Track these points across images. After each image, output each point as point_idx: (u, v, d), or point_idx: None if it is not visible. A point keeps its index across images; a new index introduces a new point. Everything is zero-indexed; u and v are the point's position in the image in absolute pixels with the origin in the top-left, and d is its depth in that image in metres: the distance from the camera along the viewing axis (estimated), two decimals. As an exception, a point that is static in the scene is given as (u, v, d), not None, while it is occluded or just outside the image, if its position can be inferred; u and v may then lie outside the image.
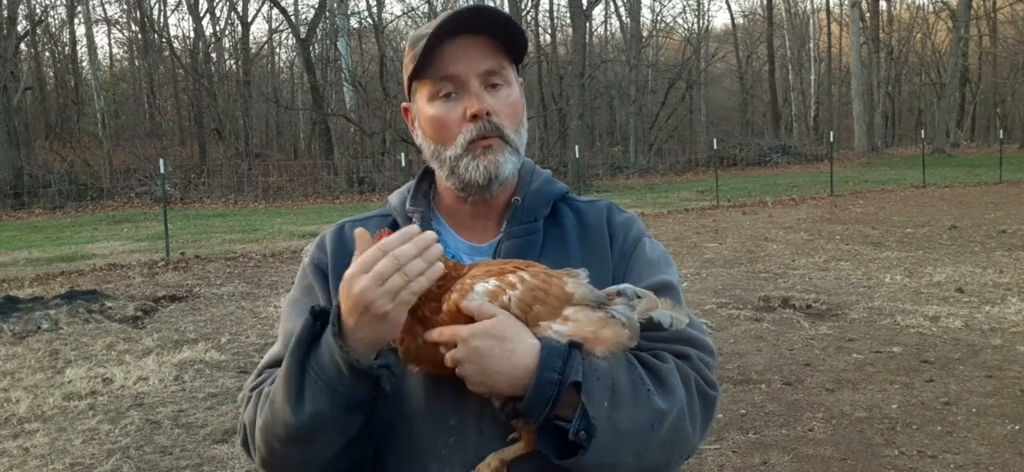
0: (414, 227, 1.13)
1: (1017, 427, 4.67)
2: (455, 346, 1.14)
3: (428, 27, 1.32)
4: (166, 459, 4.66)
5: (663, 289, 1.29)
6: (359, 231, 1.16)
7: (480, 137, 1.30)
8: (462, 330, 1.14)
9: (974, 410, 4.96)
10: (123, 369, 6.36)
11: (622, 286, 1.23)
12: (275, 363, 1.31)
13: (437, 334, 1.16)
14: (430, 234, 1.12)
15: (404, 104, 1.43)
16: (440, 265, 1.12)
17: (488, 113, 1.30)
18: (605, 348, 1.17)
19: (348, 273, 1.12)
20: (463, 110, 1.30)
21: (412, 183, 1.45)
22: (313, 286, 1.37)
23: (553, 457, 1.16)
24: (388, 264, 1.08)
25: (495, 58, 1.32)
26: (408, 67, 1.34)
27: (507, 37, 1.32)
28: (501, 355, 1.13)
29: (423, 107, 1.35)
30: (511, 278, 1.18)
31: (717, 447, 4.56)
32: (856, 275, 9.44)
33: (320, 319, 1.17)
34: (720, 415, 4.98)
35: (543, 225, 1.38)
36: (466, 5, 1.28)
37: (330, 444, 1.19)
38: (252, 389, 1.30)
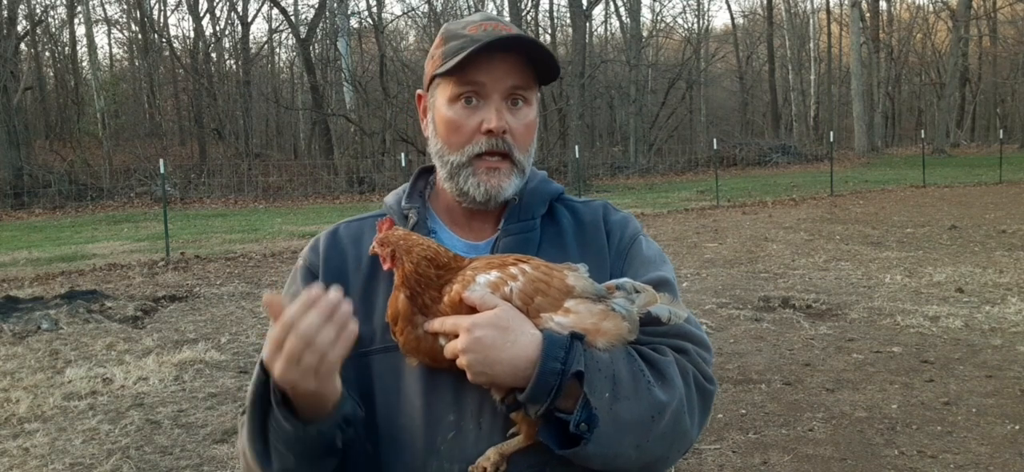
0: (315, 290, 1.09)
1: (1017, 427, 4.67)
2: (456, 337, 1.15)
3: (462, 25, 1.31)
4: (166, 459, 4.66)
5: (660, 285, 1.29)
6: (267, 298, 1.11)
7: (488, 153, 1.30)
8: (464, 320, 1.14)
9: (974, 410, 4.96)
10: (123, 369, 6.35)
11: (621, 280, 1.23)
12: None
13: (438, 324, 1.17)
14: (334, 294, 1.09)
15: (419, 91, 1.42)
16: (355, 326, 1.10)
17: (504, 131, 1.30)
18: (606, 340, 1.18)
19: (265, 352, 1.11)
20: (480, 121, 1.30)
21: (408, 183, 1.45)
22: (300, 291, 1.37)
23: (554, 448, 1.16)
24: (296, 344, 1.07)
25: (523, 77, 1.31)
26: (436, 61, 1.33)
27: (540, 61, 1.32)
28: (503, 345, 1.13)
29: (441, 105, 1.34)
30: (512, 270, 1.18)
31: (717, 447, 4.56)
32: (856, 275, 9.44)
33: (270, 373, 1.16)
34: (720, 415, 4.98)
35: (540, 224, 1.38)
36: (506, 29, 1.27)
37: None
38: (243, 412, 1.30)
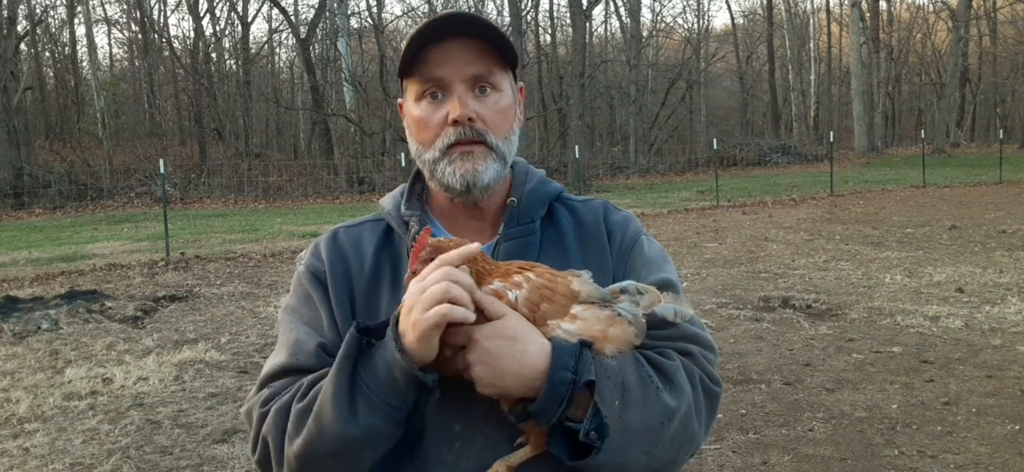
0: (475, 246, 1.15)
1: (1017, 427, 4.67)
2: (464, 348, 1.13)
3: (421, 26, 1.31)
4: (166, 459, 4.65)
5: (663, 287, 1.28)
6: (438, 241, 1.16)
7: (458, 142, 1.29)
8: (472, 330, 1.12)
9: (974, 410, 4.96)
10: (123, 369, 6.35)
11: (625, 283, 1.22)
12: (281, 374, 1.28)
13: (447, 334, 1.15)
14: (475, 246, 1.14)
15: (399, 100, 1.42)
16: (468, 314, 1.11)
17: (470, 118, 1.28)
18: (614, 346, 1.16)
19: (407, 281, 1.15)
20: (446, 113, 1.29)
21: (404, 187, 1.43)
22: (310, 295, 1.35)
23: (564, 458, 1.14)
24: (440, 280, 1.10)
25: (485, 63, 1.30)
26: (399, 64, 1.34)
27: (497, 42, 1.30)
28: (512, 356, 1.11)
29: (410, 106, 1.34)
30: (517, 278, 1.17)
31: (717, 447, 4.56)
32: (856, 275, 9.44)
33: (364, 334, 1.16)
34: (720, 415, 4.98)
35: (540, 226, 1.36)
36: (457, 9, 1.27)
37: (375, 456, 1.18)
38: (265, 402, 1.25)
